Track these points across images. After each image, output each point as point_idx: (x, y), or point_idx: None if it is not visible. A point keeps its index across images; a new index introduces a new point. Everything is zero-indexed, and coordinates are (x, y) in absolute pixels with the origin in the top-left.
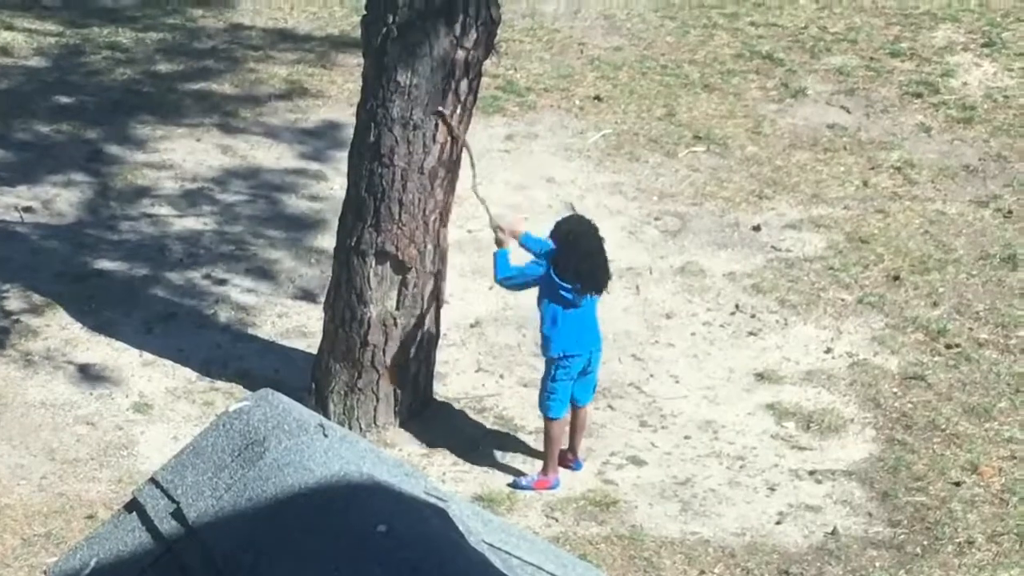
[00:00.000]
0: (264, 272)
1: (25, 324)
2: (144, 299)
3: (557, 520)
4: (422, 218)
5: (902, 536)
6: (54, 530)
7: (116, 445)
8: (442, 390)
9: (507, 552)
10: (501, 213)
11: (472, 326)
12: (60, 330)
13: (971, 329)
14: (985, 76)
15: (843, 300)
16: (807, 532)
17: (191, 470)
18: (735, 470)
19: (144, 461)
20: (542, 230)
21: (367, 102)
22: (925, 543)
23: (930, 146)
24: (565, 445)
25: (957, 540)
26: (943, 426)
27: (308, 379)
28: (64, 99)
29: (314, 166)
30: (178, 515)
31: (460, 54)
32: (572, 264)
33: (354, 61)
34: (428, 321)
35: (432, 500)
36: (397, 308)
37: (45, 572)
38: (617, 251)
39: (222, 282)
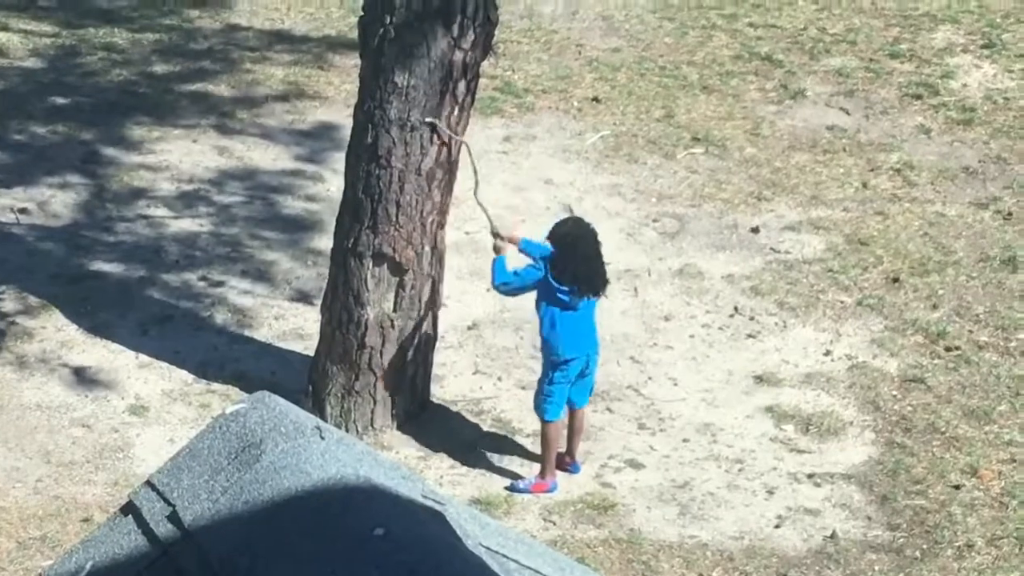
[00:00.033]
0: (261, 274)
1: (20, 326)
2: (140, 301)
3: (555, 523)
4: (419, 220)
5: (901, 540)
6: (49, 533)
7: (112, 448)
8: (439, 392)
9: (504, 555)
10: (499, 215)
11: (470, 328)
12: (55, 332)
13: (971, 331)
14: (985, 78)
15: (842, 302)
16: (806, 536)
17: (187, 473)
18: (734, 473)
19: (140, 464)
20: (540, 232)
21: (364, 103)
22: (924, 547)
23: (930, 148)
24: (563, 448)
25: (957, 544)
26: (943, 429)
27: (305, 381)
28: (60, 100)
29: (311, 167)
30: (174, 518)
31: (458, 55)
32: (570, 267)
33: (351, 62)
34: (425, 323)
35: (429, 503)
36: (394, 310)
37: (40, 575)
38: (615, 253)
39: (218, 284)
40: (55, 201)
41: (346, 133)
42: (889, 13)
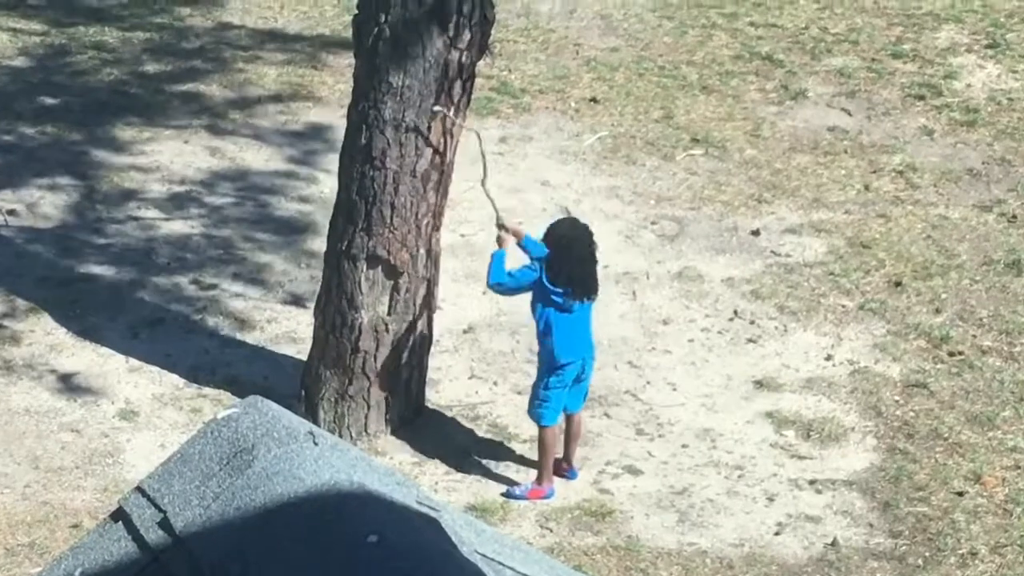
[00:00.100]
0: (253, 276)
1: (8, 329)
2: (130, 304)
3: (552, 530)
4: (414, 222)
5: (904, 547)
6: (38, 540)
7: (102, 453)
8: (434, 397)
9: (500, 563)
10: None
11: (465, 332)
12: (44, 336)
13: (974, 336)
14: (989, 78)
15: (844, 306)
16: (807, 543)
17: (178, 479)
18: (733, 480)
19: (130, 469)
20: (536, 234)
21: (358, 104)
22: (927, 554)
23: (933, 149)
24: (560, 454)
25: (960, 551)
26: (946, 435)
27: (298, 386)
28: (49, 100)
29: (304, 169)
30: (165, 524)
31: (453, 55)
32: (564, 269)
33: (345, 62)
34: (420, 327)
35: (424, 510)
36: (389, 314)
37: None
38: (613, 256)
39: (210, 287)
40: (44, 202)
41: (340, 134)
42: (892, 12)
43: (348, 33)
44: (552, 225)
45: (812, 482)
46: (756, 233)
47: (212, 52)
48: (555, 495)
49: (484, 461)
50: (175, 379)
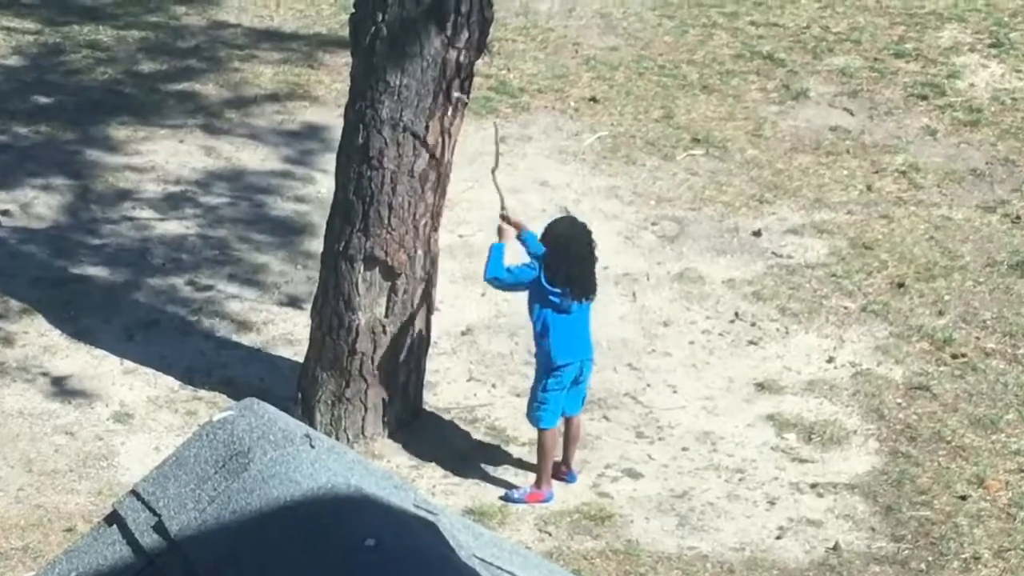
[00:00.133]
0: (249, 278)
1: (2, 331)
2: (125, 305)
3: (550, 534)
4: (412, 222)
5: (906, 552)
6: (31, 544)
7: (96, 456)
8: (432, 400)
9: (498, 567)
10: (493, 217)
11: (463, 334)
12: (38, 337)
13: (978, 338)
14: (992, 77)
15: (846, 308)
16: (808, 547)
17: (173, 482)
18: (734, 483)
19: (125, 472)
20: (537, 234)
21: (355, 103)
22: (930, 559)
23: (936, 149)
24: (559, 457)
25: (963, 556)
26: (949, 438)
27: (294, 388)
28: (43, 99)
29: (301, 169)
30: (160, 528)
31: (452, 54)
32: (562, 268)
33: (342, 61)
34: (418, 329)
35: (422, 513)
36: (386, 315)
37: None
38: (613, 257)
39: (206, 288)
40: (38, 203)
41: (337, 133)
42: (894, 11)
43: (345, 32)
44: (550, 224)
45: (814, 485)
46: (757, 234)
47: (208, 51)
48: (554, 498)
49: (482, 464)
50: (170, 381)
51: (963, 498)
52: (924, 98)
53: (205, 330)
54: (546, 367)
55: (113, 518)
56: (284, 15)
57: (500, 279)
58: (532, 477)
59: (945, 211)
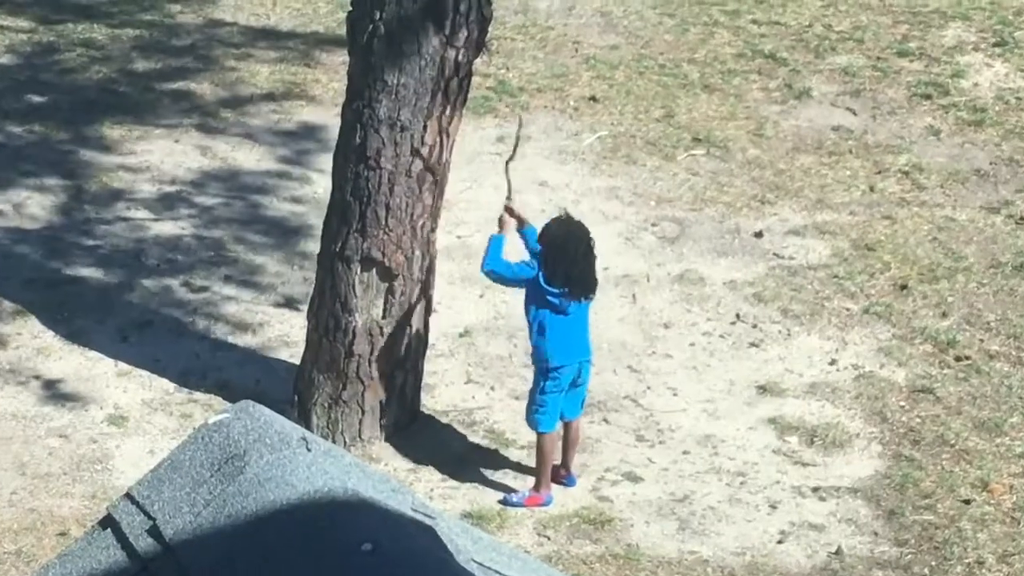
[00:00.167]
0: (245, 279)
1: None
2: (119, 307)
3: (549, 538)
4: (409, 223)
5: (909, 556)
6: (24, 548)
7: (90, 459)
8: (430, 402)
9: (497, 571)
10: (491, 217)
11: (461, 336)
12: (31, 339)
13: (982, 340)
14: (997, 77)
15: (848, 310)
16: (810, 552)
17: (168, 485)
18: (735, 487)
19: (119, 476)
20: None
21: (353, 102)
22: (933, 563)
23: (939, 150)
24: (558, 460)
25: (967, 560)
26: (952, 441)
27: (290, 391)
28: (36, 98)
29: (297, 169)
30: (154, 532)
31: (450, 52)
32: (561, 267)
33: (339, 59)
34: (416, 330)
35: (419, 517)
36: (383, 317)
37: None
38: (613, 258)
39: (201, 289)
40: (31, 203)
41: (334, 133)
42: (897, 10)
43: (342, 30)
44: (546, 225)
45: (816, 489)
46: (759, 235)
47: (203, 50)
48: (553, 502)
49: (481, 468)
50: (165, 384)
51: (967, 502)
52: (928, 97)
53: (200, 332)
54: (543, 369)
55: (107, 522)
56: (280, 13)
57: (497, 272)
58: (531, 481)
59: (949, 212)
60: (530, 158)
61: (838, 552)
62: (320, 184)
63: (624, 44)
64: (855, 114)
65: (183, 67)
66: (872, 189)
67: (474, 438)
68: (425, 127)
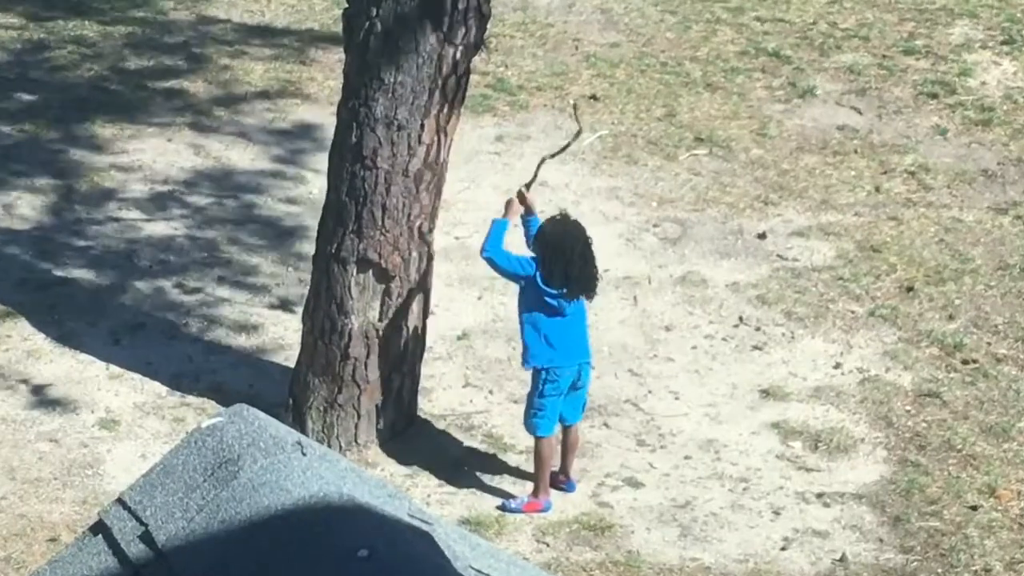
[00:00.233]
0: (239, 280)
1: None
2: (111, 309)
3: (548, 545)
4: (406, 224)
5: (915, 563)
6: (14, 554)
7: (81, 463)
8: (427, 406)
9: None
10: (489, 218)
11: (459, 338)
12: (21, 341)
13: (989, 344)
14: (1004, 75)
15: (853, 312)
16: (814, 559)
17: (160, 490)
18: (738, 492)
19: (110, 481)
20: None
21: (349, 101)
22: (939, 571)
23: (946, 149)
24: (557, 465)
25: (973, 568)
26: (959, 446)
27: (285, 394)
28: (26, 96)
29: (292, 168)
30: (146, 538)
31: (448, 50)
32: (559, 266)
33: (335, 57)
34: (413, 333)
35: (416, 523)
36: (380, 319)
37: None
38: (614, 259)
39: (194, 291)
40: (21, 203)
41: (329, 132)
42: (904, 7)
43: (338, 27)
44: (542, 225)
45: (820, 495)
46: (762, 236)
47: (196, 47)
48: (552, 508)
49: (479, 473)
50: (157, 387)
51: (974, 508)
52: (934, 96)
53: (193, 334)
54: (542, 373)
55: (98, 527)
56: (275, 10)
57: (496, 260)
58: (530, 486)
59: (955, 213)
60: (529, 157)
61: (843, 559)
62: (315, 184)
63: (625, 42)
64: (860, 113)
65: (176, 65)
66: (878, 189)
67: (472, 443)
68: (423, 126)
